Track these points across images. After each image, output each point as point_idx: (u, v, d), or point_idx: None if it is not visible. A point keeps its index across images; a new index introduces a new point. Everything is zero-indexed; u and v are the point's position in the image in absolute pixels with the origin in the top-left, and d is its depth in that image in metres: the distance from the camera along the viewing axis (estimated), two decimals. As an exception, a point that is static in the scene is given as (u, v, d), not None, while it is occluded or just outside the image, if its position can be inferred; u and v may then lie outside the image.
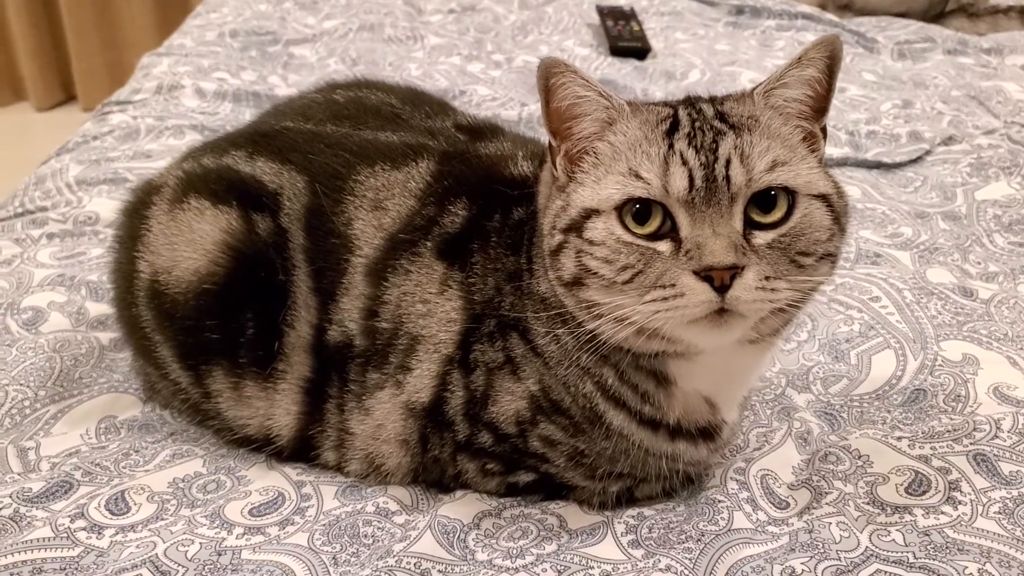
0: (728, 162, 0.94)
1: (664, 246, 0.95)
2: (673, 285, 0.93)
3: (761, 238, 0.95)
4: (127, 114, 2.26)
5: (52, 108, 4.51)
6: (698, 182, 0.94)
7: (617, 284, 0.96)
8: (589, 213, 0.98)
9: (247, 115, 2.18)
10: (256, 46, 2.71)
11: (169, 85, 2.39)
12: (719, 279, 0.91)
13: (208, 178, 1.23)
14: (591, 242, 0.97)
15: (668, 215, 0.95)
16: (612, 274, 0.96)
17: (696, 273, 0.91)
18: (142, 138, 2.13)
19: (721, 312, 0.93)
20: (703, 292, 0.92)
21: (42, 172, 1.99)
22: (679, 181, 0.94)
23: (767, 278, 0.93)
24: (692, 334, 0.97)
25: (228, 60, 2.58)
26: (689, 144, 0.96)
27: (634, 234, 0.96)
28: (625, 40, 2.74)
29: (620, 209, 0.97)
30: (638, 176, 0.96)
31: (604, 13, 2.88)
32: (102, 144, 2.10)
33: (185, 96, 2.35)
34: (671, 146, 0.96)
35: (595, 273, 0.97)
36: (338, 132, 1.26)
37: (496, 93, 2.42)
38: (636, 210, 0.96)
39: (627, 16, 2.87)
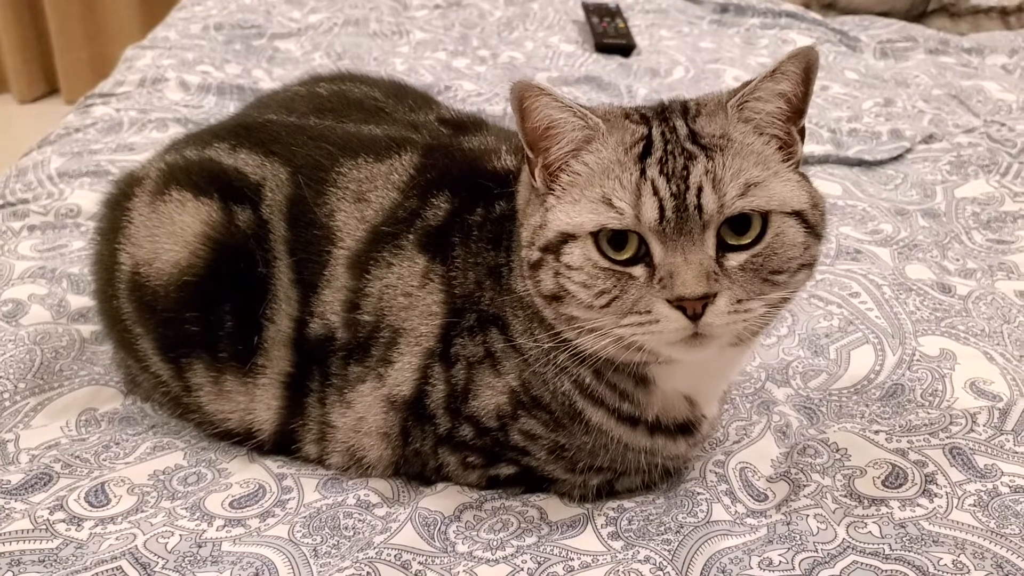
0: (700, 190, 0.94)
1: (639, 271, 0.95)
2: (649, 312, 0.94)
3: (734, 260, 0.95)
4: (110, 106, 2.24)
5: (35, 101, 4.47)
6: (668, 212, 0.94)
7: (595, 307, 0.97)
8: (566, 237, 0.99)
9: (231, 108, 2.17)
10: (241, 39, 2.70)
11: (153, 78, 2.38)
12: (691, 308, 0.92)
13: (190, 170, 1.23)
14: (569, 266, 0.98)
15: (643, 240, 0.96)
16: (590, 298, 0.97)
17: (669, 302, 0.93)
18: (125, 131, 2.12)
19: (696, 335, 0.94)
20: (676, 320, 0.93)
21: (23, 164, 1.97)
22: (650, 212, 0.94)
23: (739, 301, 0.94)
24: (670, 351, 0.98)
25: (212, 53, 2.57)
26: (661, 172, 0.95)
27: (610, 260, 0.96)
28: (610, 37, 2.75)
29: (596, 235, 0.97)
30: (611, 205, 0.96)
31: (589, 10, 2.89)
32: (84, 136, 2.09)
33: (169, 89, 2.34)
34: (643, 172, 0.96)
35: (574, 295, 0.98)
36: (321, 125, 1.26)
37: (481, 88, 2.42)
38: (611, 236, 0.96)
39: (612, 13, 2.87)
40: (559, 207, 1.00)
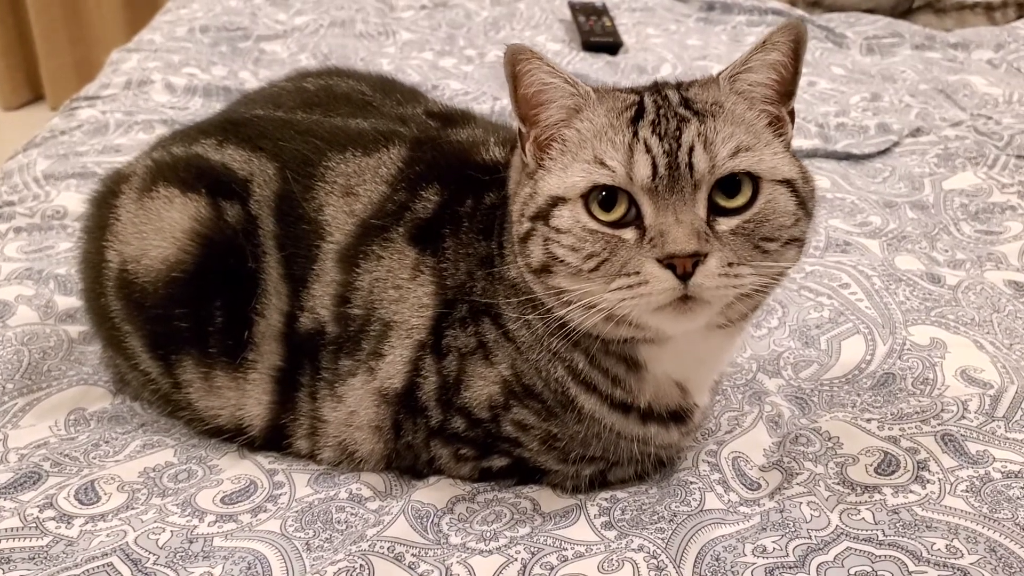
0: (691, 149, 0.94)
1: (629, 234, 0.95)
2: (637, 273, 0.93)
3: (725, 224, 0.95)
4: (96, 109, 2.23)
5: (20, 108, 4.45)
6: (661, 170, 0.94)
7: (584, 272, 0.97)
8: (556, 201, 0.99)
9: (217, 110, 2.15)
10: (227, 41, 2.69)
11: (139, 80, 2.37)
12: (682, 267, 0.91)
13: (177, 166, 1.22)
14: (558, 230, 0.98)
15: (633, 202, 0.96)
16: (578, 262, 0.97)
17: (659, 261, 0.92)
18: (111, 133, 2.11)
19: (686, 299, 0.93)
20: (666, 280, 0.92)
21: (9, 167, 1.96)
22: (642, 169, 0.94)
23: (730, 264, 0.93)
24: (658, 320, 0.97)
25: (198, 55, 2.56)
26: (653, 132, 0.96)
27: (600, 221, 0.96)
28: (597, 35, 2.75)
29: (586, 197, 0.97)
30: (603, 164, 0.96)
31: (576, 9, 2.89)
32: (70, 139, 2.08)
33: (155, 91, 2.33)
34: (635, 134, 0.97)
35: (562, 261, 0.98)
36: (309, 119, 1.25)
37: (468, 88, 2.41)
38: (602, 197, 0.96)
39: (599, 11, 2.88)
40: (550, 175, 1.00)
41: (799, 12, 3.02)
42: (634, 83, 2.43)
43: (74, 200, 1.78)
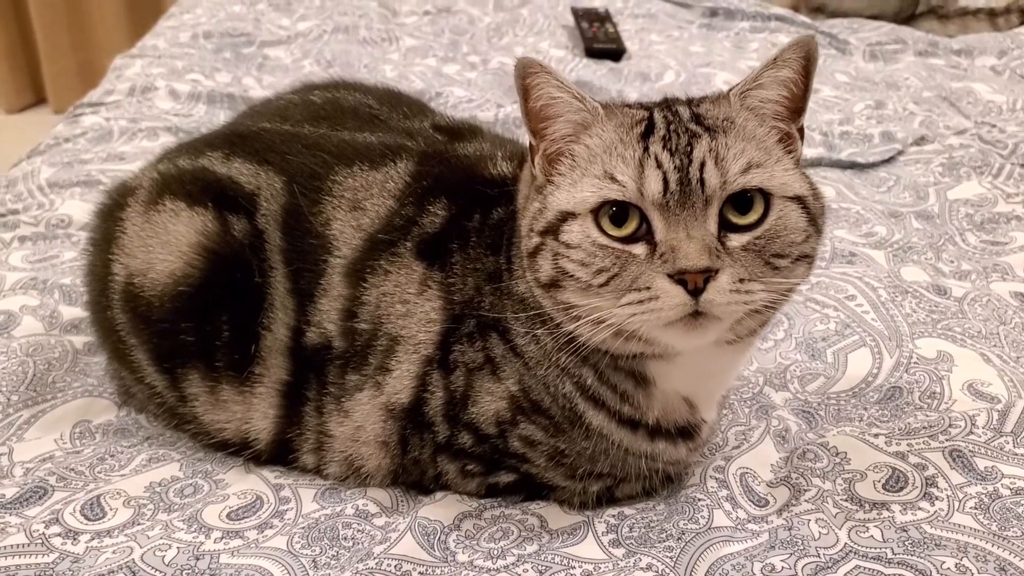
0: (702, 165, 0.94)
1: (639, 249, 0.95)
2: (648, 288, 0.93)
3: (736, 240, 0.95)
4: (100, 116, 2.23)
5: (22, 111, 4.45)
6: (672, 185, 0.94)
7: (593, 287, 0.96)
8: (565, 216, 0.99)
9: (221, 117, 2.17)
10: (230, 48, 2.69)
11: (142, 87, 2.37)
12: (692, 282, 0.91)
13: (183, 179, 1.22)
14: (567, 245, 0.97)
15: (644, 218, 0.95)
16: (588, 277, 0.96)
17: (670, 276, 0.92)
18: (115, 140, 2.11)
19: (696, 315, 0.93)
20: (677, 295, 0.92)
21: (13, 175, 1.96)
22: (653, 184, 0.94)
23: (741, 280, 0.93)
24: (669, 336, 0.97)
25: (202, 62, 2.56)
26: (664, 147, 0.96)
27: (610, 237, 0.96)
28: (600, 42, 2.75)
29: (596, 212, 0.97)
30: (613, 179, 0.96)
31: (579, 15, 2.89)
32: (74, 146, 2.08)
33: (159, 98, 2.33)
34: (646, 149, 0.96)
35: (571, 276, 0.97)
36: (316, 133, 1.25)
37: (472, 95, 2.41)
38: (612, 213, 0.96)
39: (602, 18, 2.88)
40: (559, 190, 1.00)
41: (802, 18, 3.01)
42: (638, 90, 2.44)
43: (79, 208, 1.78)
